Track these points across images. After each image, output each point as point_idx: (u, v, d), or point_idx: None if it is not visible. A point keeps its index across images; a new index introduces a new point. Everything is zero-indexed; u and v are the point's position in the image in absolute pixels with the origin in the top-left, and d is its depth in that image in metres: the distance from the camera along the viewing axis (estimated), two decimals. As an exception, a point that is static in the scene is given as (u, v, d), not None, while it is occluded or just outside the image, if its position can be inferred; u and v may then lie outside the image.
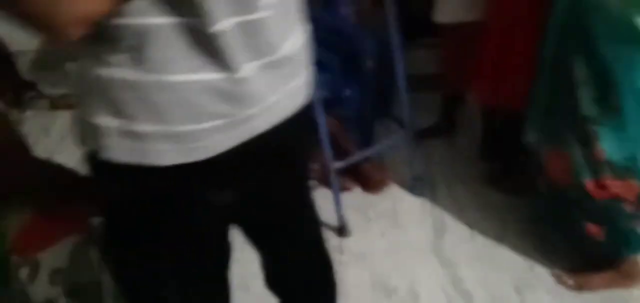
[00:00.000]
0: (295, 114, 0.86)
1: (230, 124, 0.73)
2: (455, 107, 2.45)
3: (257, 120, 0.77)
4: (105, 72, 0.67)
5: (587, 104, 1.41)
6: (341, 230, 1.97)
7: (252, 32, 0.72)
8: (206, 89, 0.70)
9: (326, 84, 1.99)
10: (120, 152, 0.70)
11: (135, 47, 0.64)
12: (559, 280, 1.69)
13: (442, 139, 2.45)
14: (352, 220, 2.00)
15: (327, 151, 1.88)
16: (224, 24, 0.67)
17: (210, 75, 0.69)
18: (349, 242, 1.95)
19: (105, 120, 0.69)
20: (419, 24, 2.40)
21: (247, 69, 0.73)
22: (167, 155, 0.70)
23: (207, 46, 0.68)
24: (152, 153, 0.69)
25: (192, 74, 0.68)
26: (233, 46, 0.69)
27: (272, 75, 0.77)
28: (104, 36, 0.64)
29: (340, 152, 2.04)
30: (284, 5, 0.78)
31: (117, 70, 0.66)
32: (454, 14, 2.15)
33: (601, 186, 1.47)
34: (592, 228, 1.56)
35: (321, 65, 1.99)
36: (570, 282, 1.68)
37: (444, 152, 2.40)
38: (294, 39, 0.81)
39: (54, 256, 1.18)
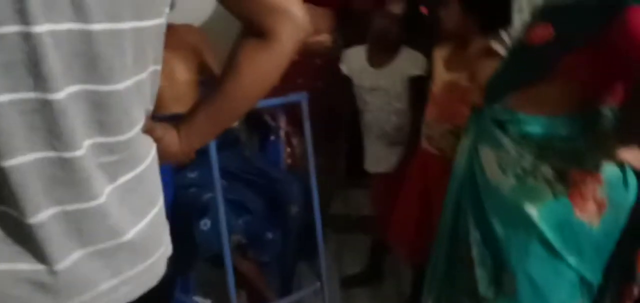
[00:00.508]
0: (144, 297, 0.81)
1: None
2: (384, 254, 2.44)
3: None
4: None
5: (483, 284, 1.41)
6: None
7: (83, 220, 0.69)
8: (19, 280, 0.66)
9: (247, 226, 1.97)
10: None
11: None
12: None
13: (368, 287, 2.42)
14: None
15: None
16: (43, 215, 0.65)
17: (24, 266, 0.66)
18: None
19: None
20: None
21: (72, 258, 0.69)
22: None
23: (23, 236, 0.65)
24: None
25: (4, 263, 0.65)
26: (53, 237, 0.66)
27: (108, 261, 0.73)
28: None
29: (257, 299, 1.98)
30: (133, 190, 0.76)
31: None
32: (378, 164, 2.23)
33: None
34: None
35: (243, 206, 1.99)
36: None
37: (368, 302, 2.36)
38: (147, 220, 0.79)
39: None
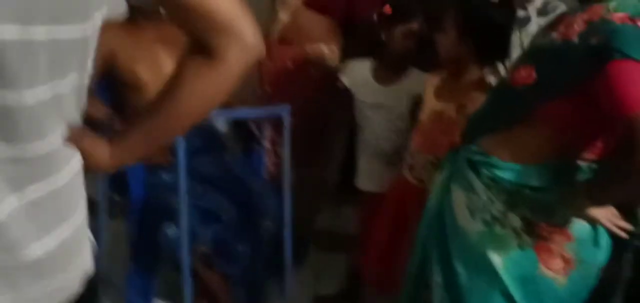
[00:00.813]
0: None
1: None
2: (361, 279, 2.37)
3: None
4: None
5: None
6: None
7: None
8: None
9: (216, 235, 1.92)
10: None
11: None
12: None
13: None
14: None
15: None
16: None
17: None
18: None
19: None
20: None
21: None
22: None
23: None
24: None
25: None
26: None
27: (4, 280, 0.68)
28: None
29: (220, 311, 1.94)
30: (43, 203, 0.70)
31: None
32: (370, 182, 2.16)
33: None
34: None
35: (215, 214, 1.94)
36: None
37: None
38: (57, 237, 0.74)
39: None
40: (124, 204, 2.01)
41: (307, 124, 2.33)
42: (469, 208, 1.30)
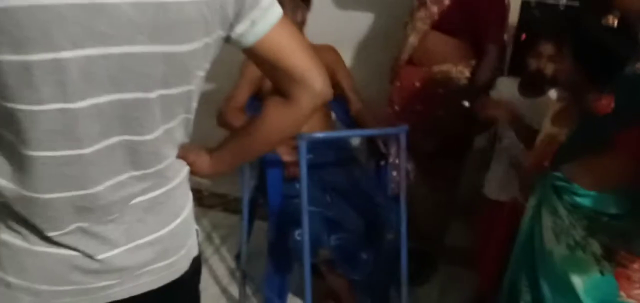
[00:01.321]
0: (165, 288, 1.01)
1: (84, 290, 0.92)
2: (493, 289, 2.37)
3: (114, 289, 0.95)
4: None
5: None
6: None
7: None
8: (64, 261, 0.90)
9: (340, 242, 2.10)
10: None
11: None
12: None
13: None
14: None
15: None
16: (68, 229, 0.86)
17: (70, 252, 0.90)
18: None
19: None
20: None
21: (113, 252, 0.92)
22: None
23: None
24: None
25: (55, 247, 0.89)
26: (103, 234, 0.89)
27: (138, 254, 0.94)
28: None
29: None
30: (161, 203, 0.95)
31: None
32: (502, 191, 2.18)
33: None
34: None
35: (340, 224, 2.13)
36: None
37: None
38: (169, 228, 0.98)
39: None
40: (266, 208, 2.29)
41: (434, 141, 2.42)
42: (555, 232, 1.34)
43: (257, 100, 2.46)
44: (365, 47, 3.02)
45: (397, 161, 2.49)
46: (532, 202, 1.48)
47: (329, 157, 2.35)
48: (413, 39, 2.39)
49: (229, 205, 3.18)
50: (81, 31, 0.72)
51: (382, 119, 2.51)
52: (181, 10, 0.78)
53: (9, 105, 0.74)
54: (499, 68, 2.41)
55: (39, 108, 0.75)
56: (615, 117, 1.24)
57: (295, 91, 0.94)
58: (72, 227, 0.87)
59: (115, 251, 0.92)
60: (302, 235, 1.89)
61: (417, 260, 2.35)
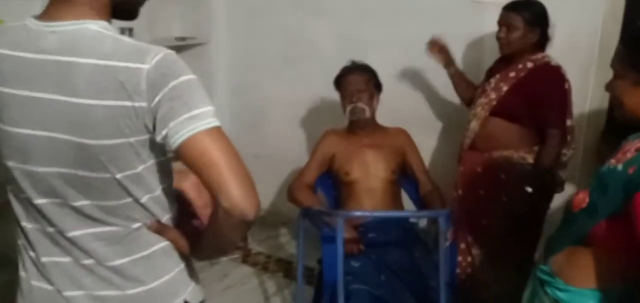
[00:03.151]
0: None
1: None
2: None
3: None
4: None
5: None
6: None
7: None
8: None
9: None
10: None
11: None
12: None
13: None
14: None
15: None
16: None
17: None
18: None
19: None
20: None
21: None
22: None
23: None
24: None
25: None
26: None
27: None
28: None
29: None
30: (145, 261, 1.10)
31: None
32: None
33: None
34: None
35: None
36: None
37: None
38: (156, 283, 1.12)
39: None
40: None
41: (500, 225, 2.40)
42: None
43: (328, 178, 2.72)
44: (436, 131, 3.11)
45: (462, 245, 2.53)
46: (526, 293, 1.48)
47: (390, 236, 2.46)
48: (474, 125, 2.46)
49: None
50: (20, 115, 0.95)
51: (448, 202, 2.58)
52: (88, 113, 0.92)
53: None
54: (562, 153, 2.35)
55: None
56: (589, 211, 1.25)
57: (216, 201, 0.94)
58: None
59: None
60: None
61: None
